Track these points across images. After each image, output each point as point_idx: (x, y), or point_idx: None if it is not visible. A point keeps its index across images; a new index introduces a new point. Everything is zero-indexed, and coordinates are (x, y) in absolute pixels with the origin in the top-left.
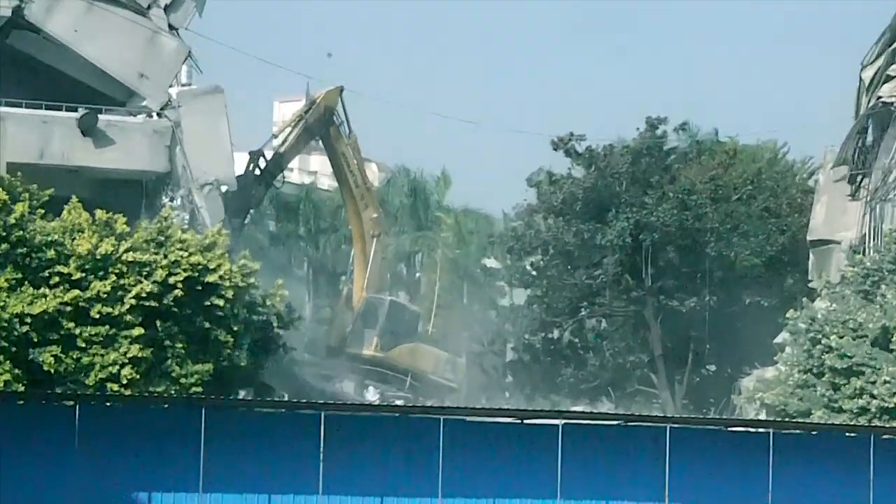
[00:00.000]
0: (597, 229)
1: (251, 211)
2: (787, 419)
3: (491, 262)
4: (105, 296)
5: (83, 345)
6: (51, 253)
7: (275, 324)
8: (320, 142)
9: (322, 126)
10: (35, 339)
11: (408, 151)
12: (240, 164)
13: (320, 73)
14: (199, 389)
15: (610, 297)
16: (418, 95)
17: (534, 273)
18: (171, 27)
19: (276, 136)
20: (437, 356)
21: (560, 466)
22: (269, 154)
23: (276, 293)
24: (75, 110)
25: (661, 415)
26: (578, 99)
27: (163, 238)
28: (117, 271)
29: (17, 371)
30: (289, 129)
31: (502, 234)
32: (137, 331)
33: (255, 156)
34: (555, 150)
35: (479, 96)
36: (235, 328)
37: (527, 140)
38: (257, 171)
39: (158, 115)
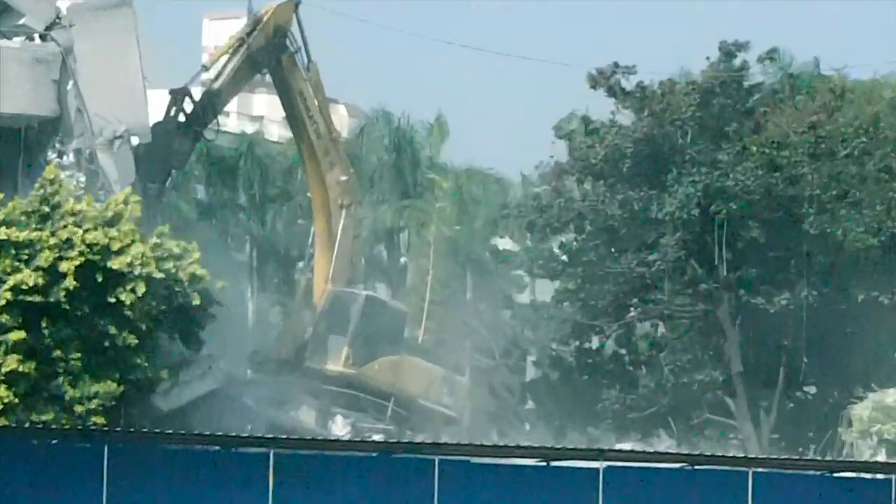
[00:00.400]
0: (651, 197)
1: (173, 172)
2: None
3: (504, 243)
4: None
5: None
6: None
7: (194, 301)
8: (268, 76)
9: (271, 54)
10: None
11: (389, 89)
12: (156, 106)
13: None
14: (101, 419)
15: (669, 291)
16: (403, 11)
17: (564, 258)
18: None
19: (207, 69)
20: (429, 373)
21: None
22: (197, 93)
23: (187, 259)
24: None
25: (742, 455)
26: (625, 16)
27: (48, 209)
28: None
29: None
30: (225, 59)
31: (520, 203)
32: (15, 336)
33: (178, 95)
34: (593, 87)
35: (489, 14)
36: (145, 328)
37: (554, 74)
38: (182, 117)
39: (42, 37)
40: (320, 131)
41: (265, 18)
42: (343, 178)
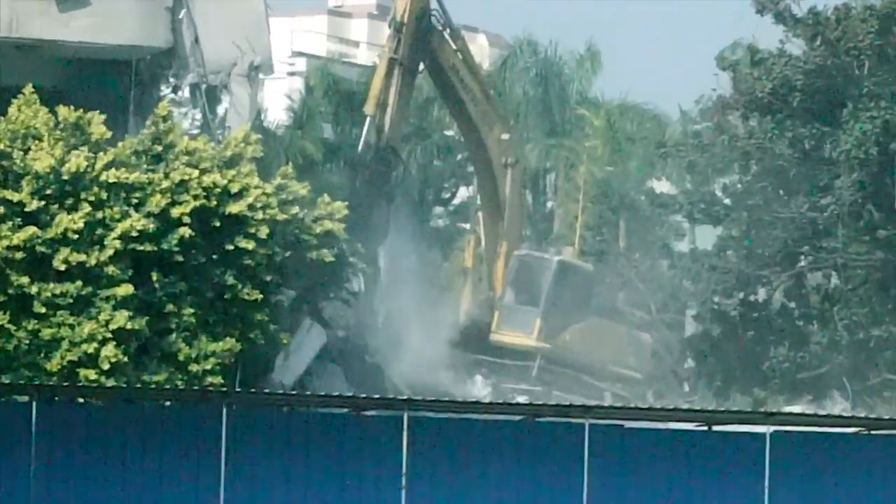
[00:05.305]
0: (825, 134)
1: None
2: None
3: (661, 186)
4: (76, 236)
5: (43, 310)
6: None
7: (328, 258)
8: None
9: (423, 48)
10: None
11: (534, 16)
12: (278, 35)
13: None
14: (218, 379)
15: (844, 238)
16: None
17: (727, 202)
18: None
19: (372, 116)
20: (616, 335)
21: (767, 491)
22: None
23: (326, 212)
24: None
25: None
26: None
27: (161, 148)
28: (94, 199)
29: None
30: (379, 86)
31: (679, 142)
32: (124, 289)
33: (360, 164)
34: (760, 13)
35: None
36: (269, 279)
37: None
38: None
39: None
40: (476, 97)
41: (405, 17)
42: (504, 136)
